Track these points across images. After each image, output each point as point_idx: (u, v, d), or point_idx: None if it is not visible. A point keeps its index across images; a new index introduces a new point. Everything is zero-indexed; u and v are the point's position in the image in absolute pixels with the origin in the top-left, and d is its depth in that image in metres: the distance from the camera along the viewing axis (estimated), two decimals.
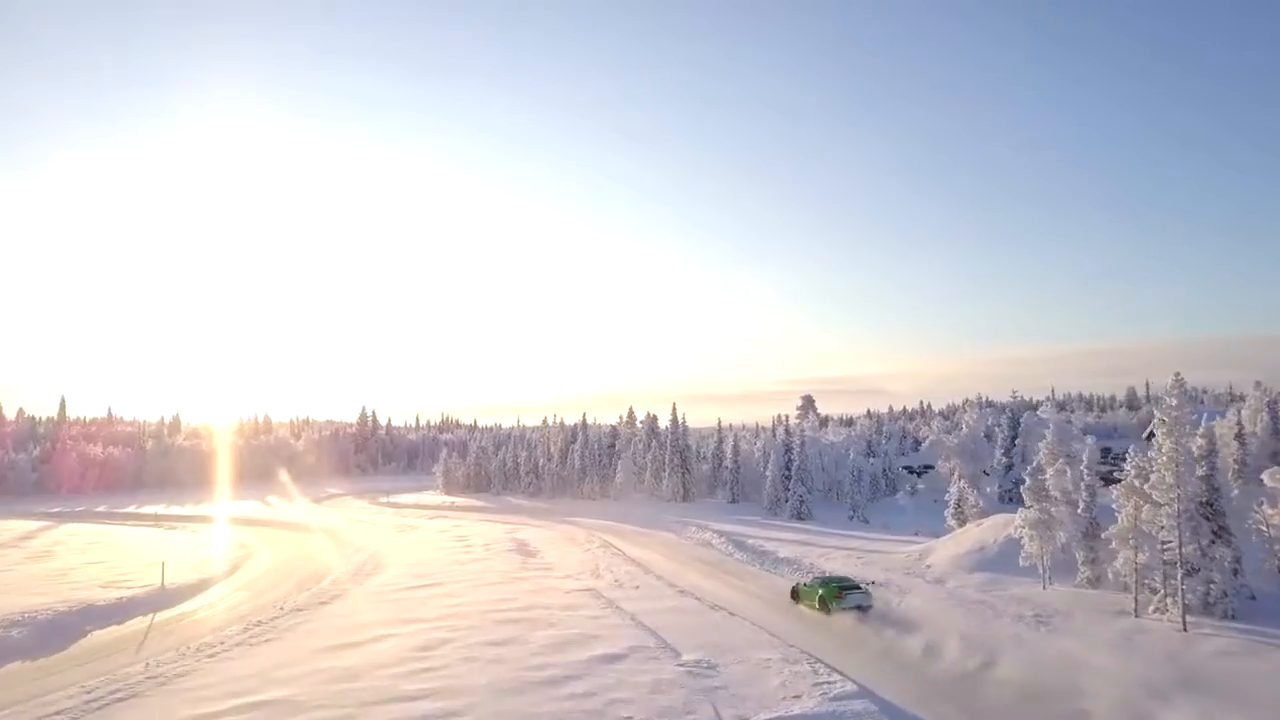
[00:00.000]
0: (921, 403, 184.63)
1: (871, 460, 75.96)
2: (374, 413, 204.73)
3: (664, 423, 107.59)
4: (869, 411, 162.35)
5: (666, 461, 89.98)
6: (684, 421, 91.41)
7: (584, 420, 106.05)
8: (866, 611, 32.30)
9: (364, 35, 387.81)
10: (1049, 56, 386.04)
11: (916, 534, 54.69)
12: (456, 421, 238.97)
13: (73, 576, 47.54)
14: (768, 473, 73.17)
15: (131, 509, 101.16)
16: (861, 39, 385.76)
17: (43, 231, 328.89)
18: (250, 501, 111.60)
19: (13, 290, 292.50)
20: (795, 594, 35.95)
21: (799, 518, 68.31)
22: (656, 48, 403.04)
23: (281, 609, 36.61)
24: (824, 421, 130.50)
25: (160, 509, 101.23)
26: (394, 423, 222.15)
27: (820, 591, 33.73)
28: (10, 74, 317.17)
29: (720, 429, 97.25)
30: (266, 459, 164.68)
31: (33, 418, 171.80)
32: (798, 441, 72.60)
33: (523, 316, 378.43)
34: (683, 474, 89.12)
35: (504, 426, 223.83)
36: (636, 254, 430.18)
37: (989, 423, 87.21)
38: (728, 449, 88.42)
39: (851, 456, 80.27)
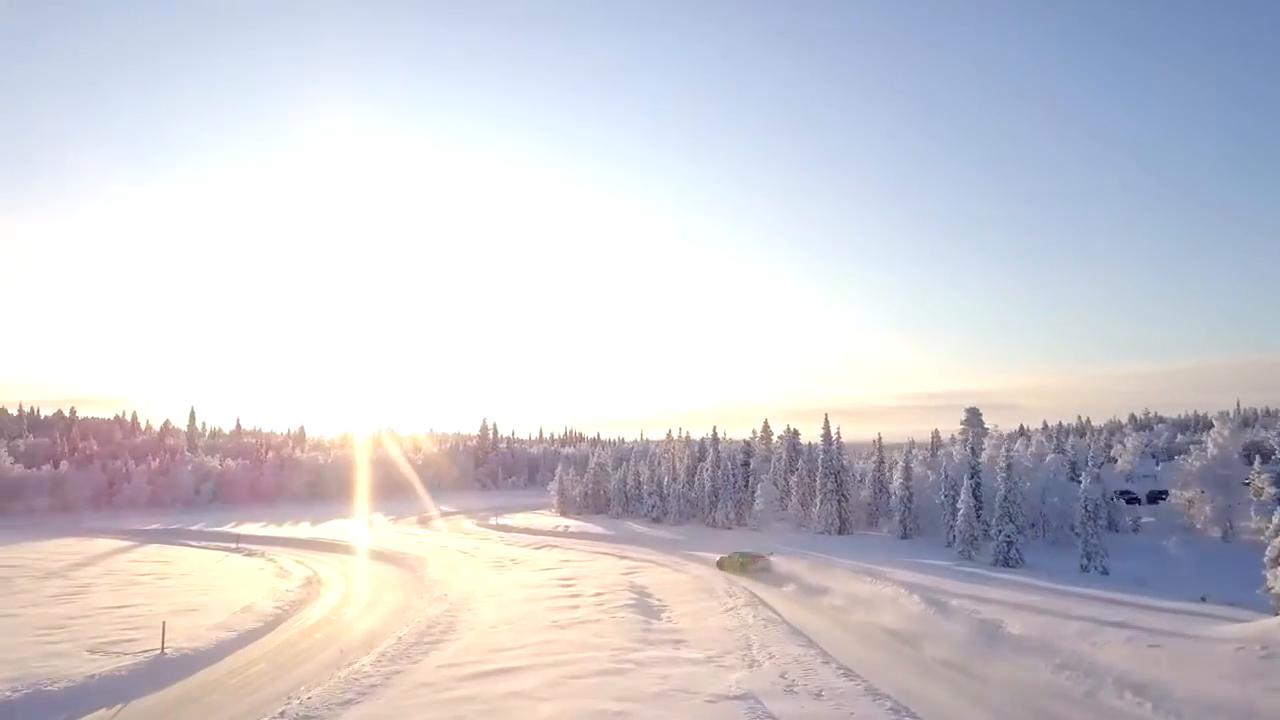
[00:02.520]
0: (1081, 418, 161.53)
1: (1083, 486, 58.82)
2: (495, 424, 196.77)
3: (807, 438, 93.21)
4: (1022, 428, 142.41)
5: (818, 486, 74.90)
6: (839, 438, 76.20)
7: (714, 434, 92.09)
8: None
9: (452, 44, 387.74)
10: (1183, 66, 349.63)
11: (1204, 599, 38.23)
12: (579, 435, 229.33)
13: (74, 628, 37.18)
14: (960, 504, 57.27)
15: (229, 527, 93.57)
16: (970, 60, 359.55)
17: (182, 241, 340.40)
18: (352, 521, 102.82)
19: (149, 302, 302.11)
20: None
21: (1007, 563, 52.30)
22: (752, 65, 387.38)
23: (283, 714, 24.30)
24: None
25: (258, 527, 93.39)
26: (517, 435, 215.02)
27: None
28: (142, 91, 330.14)
29: (880, 446, 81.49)
30: (384, 472, 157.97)
31: (161, 428, 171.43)
32: (1002, 464, 56.29)
33: (640, 327, 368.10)
34: (838, 501, 73.89)
35: (626, 440, 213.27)
36: (733, 271, 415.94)
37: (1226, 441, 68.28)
38: (895, 471, 72.75)
39: (1062, 481, 63.46)
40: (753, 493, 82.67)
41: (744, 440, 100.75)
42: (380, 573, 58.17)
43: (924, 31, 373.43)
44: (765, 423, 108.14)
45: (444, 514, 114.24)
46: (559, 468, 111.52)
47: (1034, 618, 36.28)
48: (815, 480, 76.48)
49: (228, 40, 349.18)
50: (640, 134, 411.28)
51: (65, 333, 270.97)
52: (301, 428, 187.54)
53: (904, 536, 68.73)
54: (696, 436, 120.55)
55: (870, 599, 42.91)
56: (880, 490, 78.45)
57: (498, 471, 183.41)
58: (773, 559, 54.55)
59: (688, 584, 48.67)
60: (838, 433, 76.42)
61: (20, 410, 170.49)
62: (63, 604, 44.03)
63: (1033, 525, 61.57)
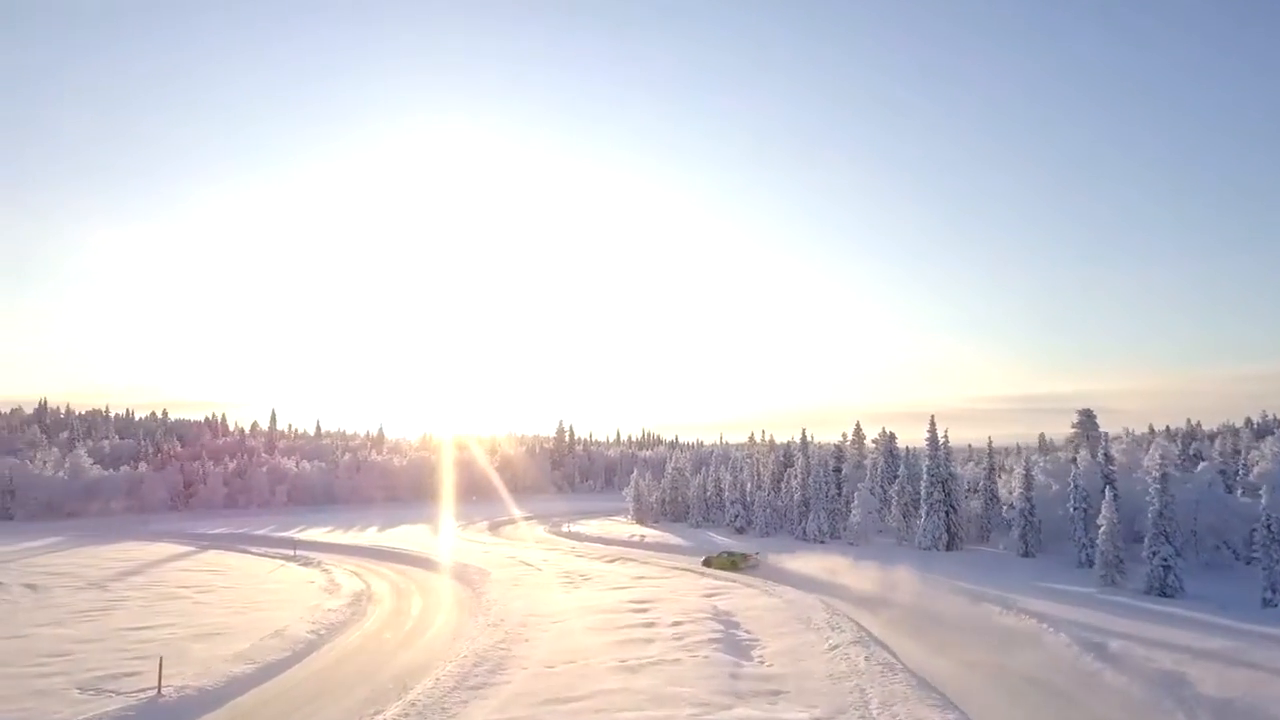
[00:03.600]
0: (1191, 422, 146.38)
1: (1264, 501, 49.62)
2: (571, 427, 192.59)
3: (901, 442, 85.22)
4: (1128, 431, 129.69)
5: (923, 496, 67.07)
6: (947, 442, 68.24)
7: (804, 438, 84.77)
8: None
9: (521, 44, 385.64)
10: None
11: None
12: (656, 437, 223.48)
13: (79, 655, 32.64)
14: (1101, 519, 48.92)
15: (294, 532, 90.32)
16: (1057, 46, 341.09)
17: (271, 245, 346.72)
18: (421, 526, 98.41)
19: (238, 306, 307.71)
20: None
21: (1164, 592, 44.02)
22: (838, 72, 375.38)
23: None
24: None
25: (323, 533, 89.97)
26: (594, 437, 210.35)
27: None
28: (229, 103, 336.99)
29: (991, 451, 73.10)
30: (460, 475, 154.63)
31: (242, 430, 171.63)
32: (1155, 473, 47.77)
33: (719, 329, 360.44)
34: (947, 513, 65.97)
35: (704, 444, 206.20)
36: (805, 273, 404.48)
37: None
38: (1013, 480, 64.54)
39: (1218, 493, 54.55)
40: (847, 502, 75.20)
41: (834, 445, 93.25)
42: (437, 587, 52.94)
43: (987, 28, 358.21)
44: (857, 425, 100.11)
45: (516, 519, 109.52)
46: (635, 472, 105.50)
47: (1230, 672, 28.62)
48: (919, 489, 68.75)
49: (303, 42, 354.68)
50: (711, 135, 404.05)
51: (165, 338, 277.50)
52: (380, 429, 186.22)
53: (1025, 554, 60.53)
54: (777, 440, 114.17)
55: (1006, 636, 35.60)
56: (991, 500, 70.25)
57: (574, 474, 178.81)
58: (758, 556, 60.50)
59: (781, 611, 41.89)
60: (945, 437, 68.51)
61: (106, 411, 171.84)
62: (83, 622, 39.74)
63: (1184, 545, 52.82)
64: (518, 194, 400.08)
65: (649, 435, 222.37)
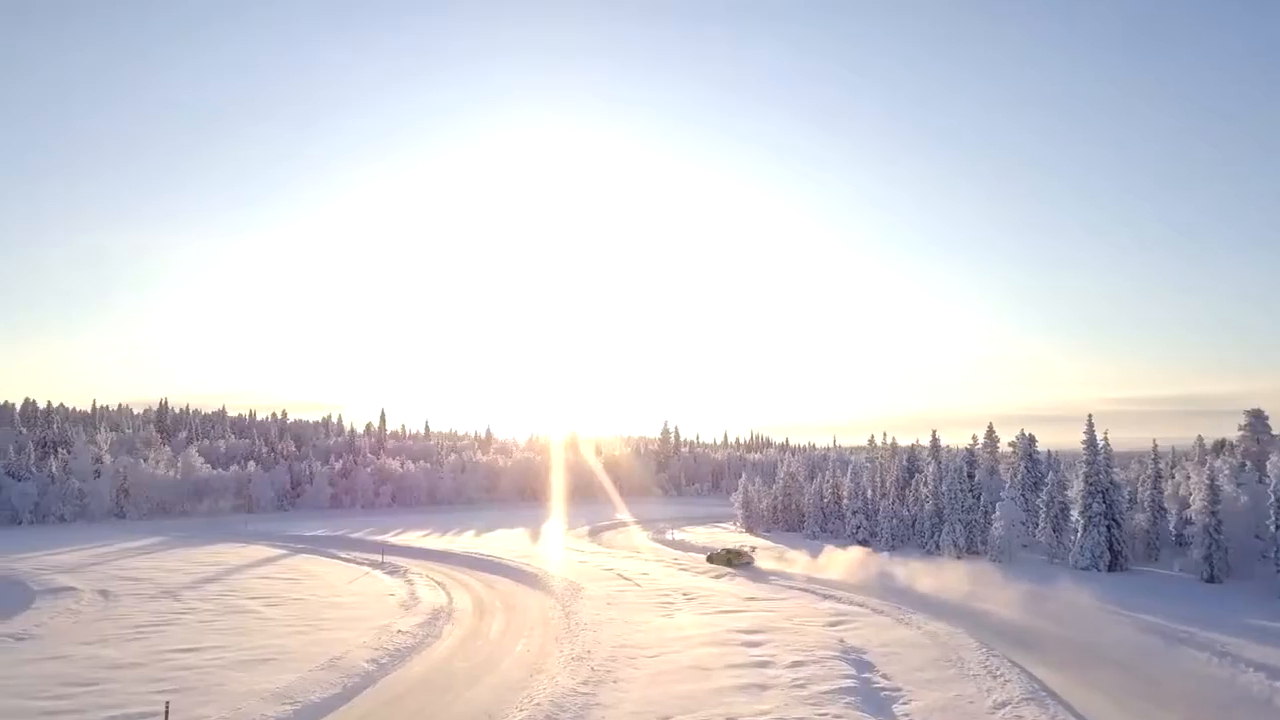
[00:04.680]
0: None
1: None
2: (677, 428, 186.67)
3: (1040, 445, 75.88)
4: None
5: (1080, 507, 58.15)
6: (1107, 445, 59.05)
7: (935, 441, 76.38)
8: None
9: (645, 47, 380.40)
10: None
11: None
12: (766, 440, 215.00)
13: (105, 686, 28.77)
14: None
15: (390, 535, 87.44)
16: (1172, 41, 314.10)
17: (390, 247, 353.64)
18: (519, 530, 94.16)
19: (351, 310, 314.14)
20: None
21: None
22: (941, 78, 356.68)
23: None
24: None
25: (418, 536, 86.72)
26: (700, 439, 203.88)
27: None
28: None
29: (1156, 456, 63.36)
30: (563, 476, 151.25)
31: (353, 430, 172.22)
32: None
33: (829, 331, 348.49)
34: (1108, 528, 56.90)
35: (817, 447, 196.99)
36: (913, 275, 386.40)
37: None
38: (1193, 490, 55.07)
39: None
40: (985, 513, 66.61)
41: (964, 448, 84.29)
42: (524, 603, 47.63)
43: (1085, 27, 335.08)
44: (989, 427, 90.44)
45: (619, 524, 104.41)
46: (744, 476, 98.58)
47: None
48: (1066, 499, 59.84)
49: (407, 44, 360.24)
50: (808, 137, 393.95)
51: (286, 342, 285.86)
52: (488, 430, 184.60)
53: (1209, 579, 51.12)
54: (898, 443, 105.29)
55: (1229, 695, 27.62)
56: (1158, 513, 60.70)
57: (680, 477, 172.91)
58: (752, 552, 64.41)
59: (923, 648, 34.73)
60: (1104, 439, 59.29)
61: (224, 413, 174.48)
62: (132, 641, 35.95)
63: None
64: (625, 195, 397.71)
65: (758, 437, 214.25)
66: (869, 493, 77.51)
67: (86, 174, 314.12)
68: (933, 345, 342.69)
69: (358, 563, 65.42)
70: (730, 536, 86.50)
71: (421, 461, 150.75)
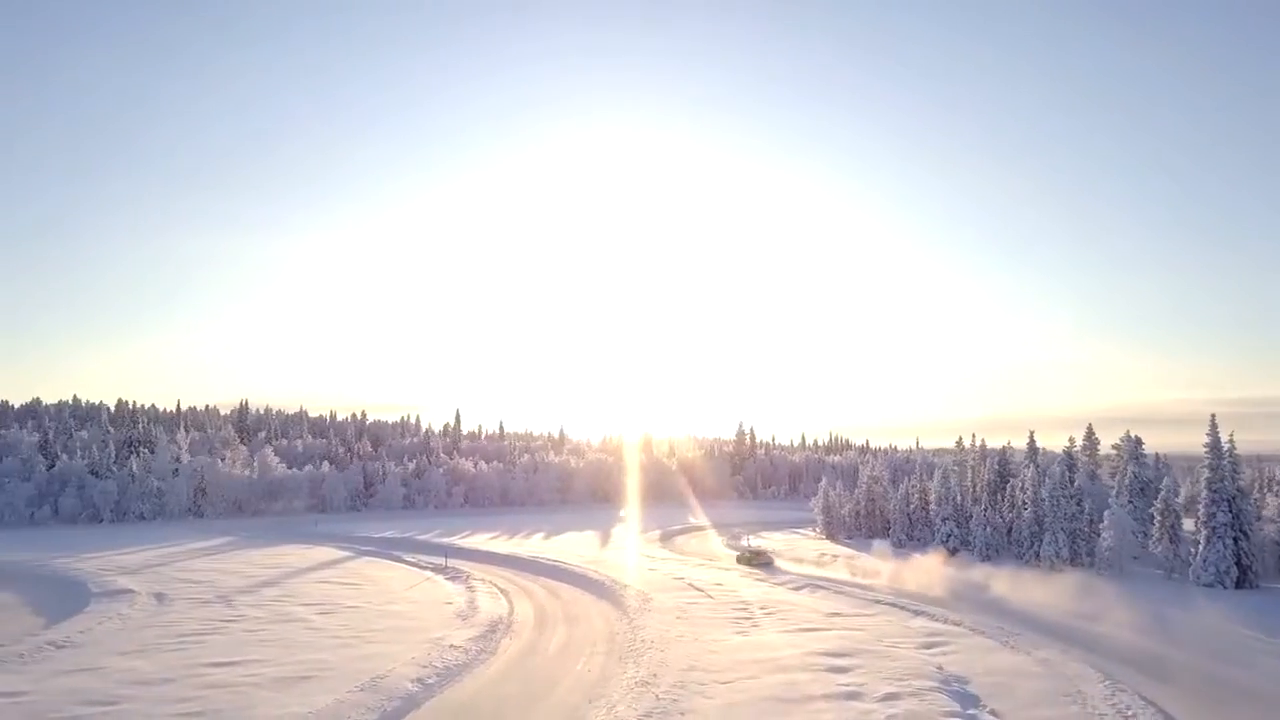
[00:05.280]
0: None
1: None
2: (752, 429, 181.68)
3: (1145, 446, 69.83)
4: None
5: (1202, 516, 52.36)
6: (1233, 448, 53.10)
7: (1032, 443, 70.86)
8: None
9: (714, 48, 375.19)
10: None
11: None
12: (845, 441, 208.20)
13: (128, 704, 27.08)
14: None
15: (458, 537, 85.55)
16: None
17: (466, 248, 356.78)
18: (589, 534, 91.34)
19: (423, 309, 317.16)
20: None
21: None
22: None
23: None
24: None
25: (485, 539, 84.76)
26: (777, 441, 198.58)
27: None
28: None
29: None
30: (637, 478, 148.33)
31: (428, 431, 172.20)
32: None
33: (908, 332, 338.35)
34: (1235, 539, 51.03)
35: (898, 449, 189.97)
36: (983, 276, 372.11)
37: None
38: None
39: None
40: (1090, 520, 61.01)
41: (1062, 451, 78.26)
42: (588, 614, 44.52)
43: (1147, 21, 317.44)
44: (1089, 429, 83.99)
45: (692, 528, 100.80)
46: (824, 480, 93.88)
47: None
48: (1190, 506, 54.12)
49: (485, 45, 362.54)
50: (871, 136, 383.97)
51: (365, 343, 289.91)
52: (561, 431, 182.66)
53: None
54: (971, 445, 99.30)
55: None
56: None
57: (756, 480, 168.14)
58: (771, 553, 67.65)
59: (1035, 678, 30.37)
60: (1230, 441, 53.36)
61: (303, 414, 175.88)
62: (171, 651, 34.00)
63: None
64: (698, 195, 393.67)
65: (836, 439, 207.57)
66: (959, 498, 72.29)
67: (176, 181, 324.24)
68: (1005, 346, 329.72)
69: (421, 566, 63.37)
70: (810, 544, 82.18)
71: (495, 462, 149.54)
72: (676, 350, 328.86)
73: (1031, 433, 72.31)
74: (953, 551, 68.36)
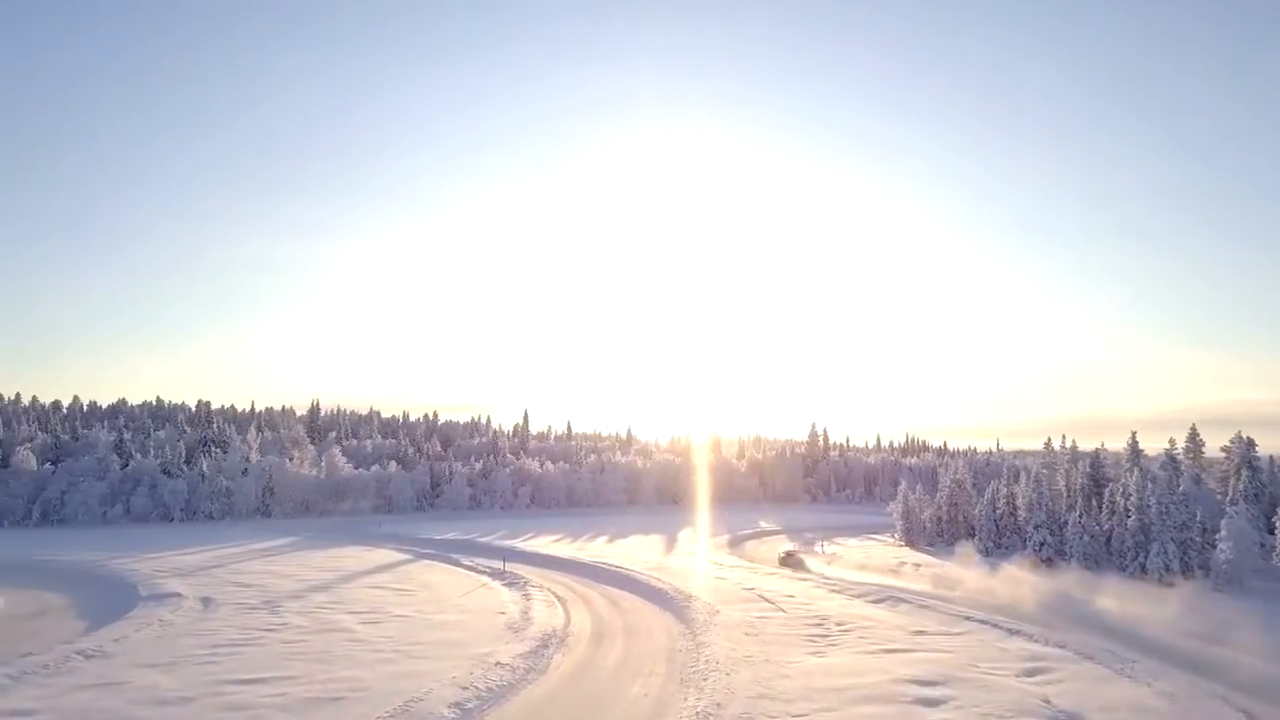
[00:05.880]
0: None
1: None
2: (825, 430, 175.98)
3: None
4: None
5: None
6: None
7: (1134, 445, 65.25)
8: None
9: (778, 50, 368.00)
10: None
11: None
12: (922, 443, 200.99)
13: None
14: None
15: (521, 540, 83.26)
16: None
17: (537, 249, 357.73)
18: (655, 537, 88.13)
19: (492, 309, 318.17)
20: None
21: None
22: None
23: None
24: None
25: (548, 542, 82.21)
26: (851, 442, 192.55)
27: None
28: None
29: None
30: (706, 479, 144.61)
31: (495, 431, 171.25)
32: None
33: (983, 330, 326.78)
34: None
35: (978, 451, 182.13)
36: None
37: None
38: None
39: None
40: (1204, 529, 55.43)
41: (1163, 453, 72.21)
42: (649, 627, 41.30)
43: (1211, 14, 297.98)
44: (1192, 429, 77.73)
45: (762, 532, 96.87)
46: (902, 484, 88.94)
47: None
48: None
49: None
50: (931, 137, 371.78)
51: (437, 345, 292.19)
52: (629, 431, 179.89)
53: None
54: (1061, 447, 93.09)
55: None
56: None
57: (829, 482, 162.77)
58: (799, 555, 69.52)
59: (1162, 716, 26.08)
60: None
61: (373, 414, 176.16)
62: (203, 664, 31.81)
63: None
64: (768, 194, 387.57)
65: (913, 440, 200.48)
66: (1052, 506, 66.99)
67: (250, 185, 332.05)
68: (1077, 345, 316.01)
69: (479, 570, 60.93)
70: (887, 551, 77.63)
71: (561, 462, 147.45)
72: (746, 349, 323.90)
73: (1134, 433, 66.95)
74: (1046, 561, 63.21)
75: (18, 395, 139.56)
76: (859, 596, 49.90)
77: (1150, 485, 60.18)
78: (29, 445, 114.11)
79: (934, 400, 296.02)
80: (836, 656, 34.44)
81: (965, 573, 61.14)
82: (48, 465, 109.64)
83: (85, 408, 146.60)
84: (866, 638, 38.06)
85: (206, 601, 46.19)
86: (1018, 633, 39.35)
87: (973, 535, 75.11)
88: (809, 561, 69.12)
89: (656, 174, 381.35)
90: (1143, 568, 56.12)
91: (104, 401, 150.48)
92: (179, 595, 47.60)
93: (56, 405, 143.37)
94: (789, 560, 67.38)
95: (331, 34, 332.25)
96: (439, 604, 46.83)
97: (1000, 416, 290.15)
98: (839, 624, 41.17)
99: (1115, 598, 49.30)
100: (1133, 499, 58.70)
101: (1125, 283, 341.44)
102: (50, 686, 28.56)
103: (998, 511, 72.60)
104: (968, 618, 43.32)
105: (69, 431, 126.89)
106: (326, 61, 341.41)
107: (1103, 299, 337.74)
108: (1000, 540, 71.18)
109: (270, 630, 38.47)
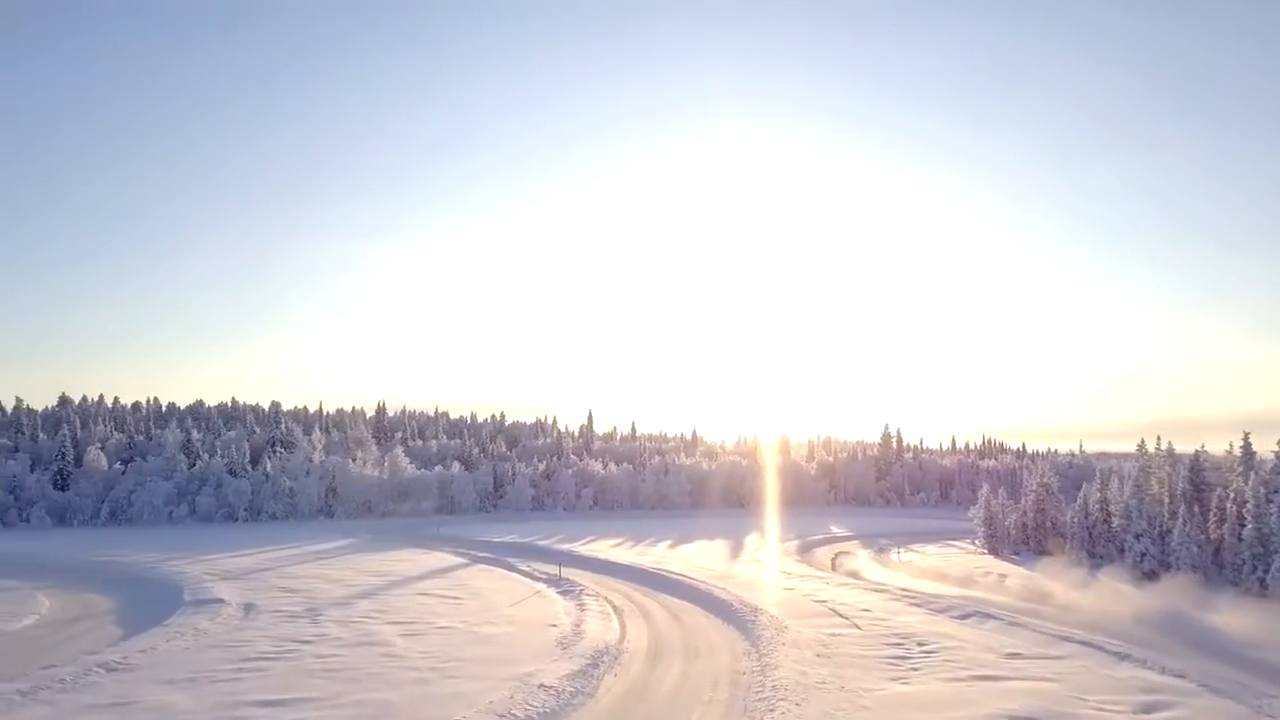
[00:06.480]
0: None
1: None
2: (899, 431, 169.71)
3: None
4: None
5: None
6: None
7: (1248, 447, 59.36)
8: None
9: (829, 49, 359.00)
10: None
11: None
12: (1000, 445, 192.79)
13: None
14: None
15: (580, 544, 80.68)
16: None
17: (599, 249, 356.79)
18: (719, 542, 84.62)
19: (556, 309, 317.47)
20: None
21: None
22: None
23: None
24: None
25: (608, 546, 79.58)
26: (925, 444, 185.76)
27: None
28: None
29: None
30: (774, 482, 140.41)
31: (559, 431, 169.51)
32: None
33: (1059, 327, 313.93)
34: None
35: (1059, 453, 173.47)
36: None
37: None
38: None
39: None
40: None
41: (1273, 454, 65.93)
42: (711, 645, 37.86)
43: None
44: None
45: (833, 538, 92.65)
46: (984, 488, 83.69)
47: None
48: None
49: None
50: (1002, 140, 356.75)
51: (505, 345, 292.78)
52: (694, 432, 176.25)
53: None
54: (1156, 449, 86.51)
55: None
56: None
57: (903, 486, 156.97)
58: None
59: None
60: None
61: (438, 414, 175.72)
62: (226, 682, 29.47)
63: None
64: (839, 190, 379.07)
65: (990, 442, 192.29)
66: (1154, 514, 61.49)
67: (321, 189, 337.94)
68: (1160, 345, 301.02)
69: (534, 577, 58.23)
70: (969, 559, 72.83)
71: (624, 464, 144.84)
72: (815, 348, 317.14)
73: (1246, 434, 60.82)
74: (1148, 574, 57.85)
75: (100, 396, 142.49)
76: (941, 611, 45.61)
77: (1264, 490, 54.48)
78: (102, 445, 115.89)
79: (1008, 400, 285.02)
80: (920, 683, 30.53)
81: (1056, 585, 56.28)
82: (118, 465, 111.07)
83: (164, 408, 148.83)
84: (953, 661, 34.00)
85: (248, 608, 44.32)
86: (1127, 657, 34.79)
87: (1062, 543, 69.80)
88: (883, 570, 64.96)
89: (720, 172, 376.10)
90: (1261, 583, 50.60)
91: (182, 403, 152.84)
92: (221, 601, 45.85)
93: (136, 406, 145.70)
94: (837, 558, 70.58)
95: (401, 36, 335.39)
96: (487, 614, 44.12)
97: (1078, 417, 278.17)
98: (921, 644, 37.13)
99: (1232, 617, 44.15)
100: (1248, 506, 53.09)
101: (1201, 282, 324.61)
102: (59, 705, 26.47)
103: (1091, 518, 67.15)
104: (1066, 638, 38.77)
105: (143, 432, 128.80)
106: (391, 63, 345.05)
107: (1179, 297, 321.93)
108: (1094, 549, 65.81)
109: (305, 643, 36.13)
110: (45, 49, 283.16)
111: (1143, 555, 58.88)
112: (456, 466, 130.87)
